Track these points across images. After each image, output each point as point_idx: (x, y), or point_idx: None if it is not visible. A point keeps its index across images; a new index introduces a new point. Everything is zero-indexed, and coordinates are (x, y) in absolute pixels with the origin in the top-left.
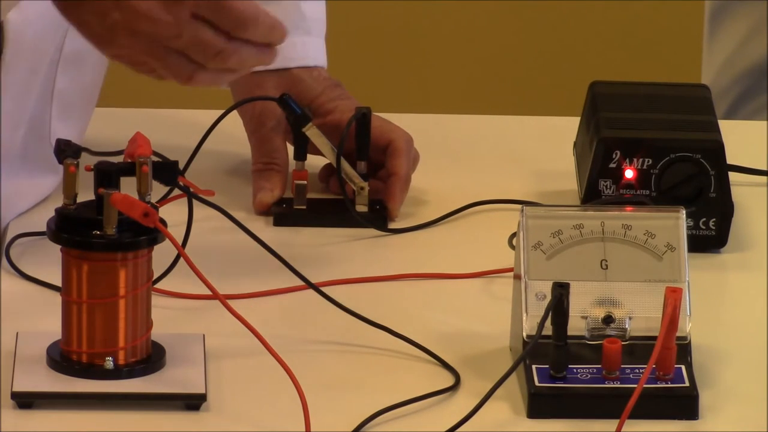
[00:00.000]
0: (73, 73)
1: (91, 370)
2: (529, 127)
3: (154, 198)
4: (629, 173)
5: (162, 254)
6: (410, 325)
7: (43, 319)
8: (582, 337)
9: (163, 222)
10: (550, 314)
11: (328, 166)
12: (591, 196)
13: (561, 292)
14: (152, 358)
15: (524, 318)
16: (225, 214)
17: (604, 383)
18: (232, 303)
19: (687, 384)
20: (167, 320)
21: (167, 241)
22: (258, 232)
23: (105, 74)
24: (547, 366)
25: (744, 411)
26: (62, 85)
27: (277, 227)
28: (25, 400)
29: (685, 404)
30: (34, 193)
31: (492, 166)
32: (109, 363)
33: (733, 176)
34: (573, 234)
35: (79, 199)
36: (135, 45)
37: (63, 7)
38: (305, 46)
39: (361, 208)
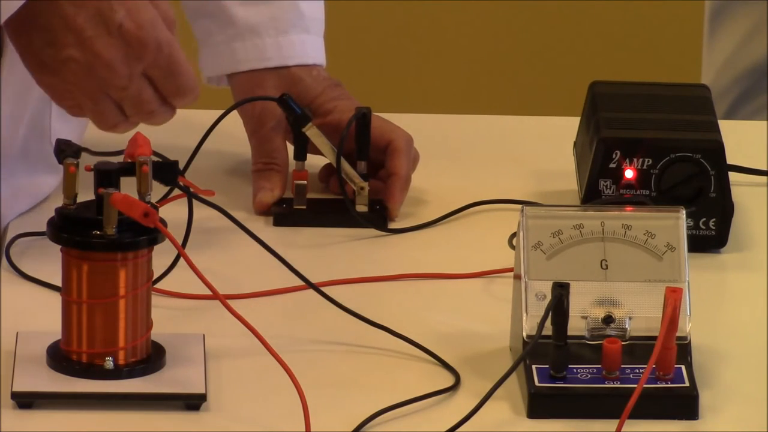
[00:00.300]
0: None
1: (91, 370)
2: (529, 127)
3: (154, 198)
4: (629, 173)
5: (162, 254)
6: (410, 325)
7: (43, 319)
8: (582, 337)
9: (163, 222)
10: (550, 314)
11: (328, 166)
12: (591, 196)
13: (561, 292)
14: (152, 358)
15: (524, 318)
16: (225, 214)
17: (604, 383)
18: (232, 303)
19: (687, 384)
20: (167, 320)
21: (167, 241)
22: (258, 232)
23: None
24: (547, 366)
25: (744, 411)
26: None
27: (277, 227)
28: (25, 400)
29: (685, 404)
30: (34, 193)
31: (492, 166)
32: (109, 363)
33: (733, 176)
34: (573, 234)
35: (79, 199)
36: (80, 84)
37: (12, 28)
38: (304, 45)
39: (361, 208)
